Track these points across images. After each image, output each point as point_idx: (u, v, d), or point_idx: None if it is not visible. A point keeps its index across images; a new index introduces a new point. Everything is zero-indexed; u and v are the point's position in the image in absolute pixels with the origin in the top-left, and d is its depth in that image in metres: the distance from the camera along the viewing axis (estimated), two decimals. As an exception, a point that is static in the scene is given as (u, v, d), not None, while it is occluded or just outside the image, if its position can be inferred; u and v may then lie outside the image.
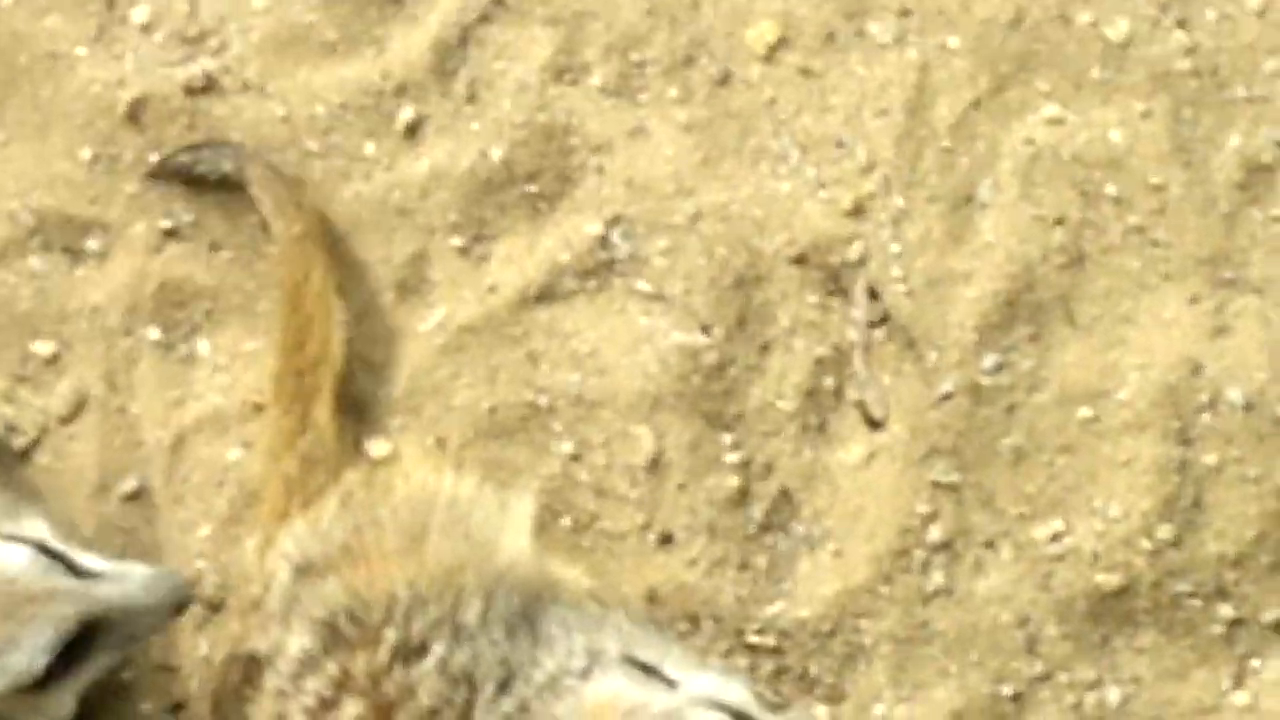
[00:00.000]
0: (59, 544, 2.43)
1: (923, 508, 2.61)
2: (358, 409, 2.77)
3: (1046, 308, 2.68)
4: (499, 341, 2.77)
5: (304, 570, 2.54)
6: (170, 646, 2.75)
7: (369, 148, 2.86)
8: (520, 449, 2.74)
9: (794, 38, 2.88)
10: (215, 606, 2.69)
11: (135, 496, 2.79)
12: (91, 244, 2.92)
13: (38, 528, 2.49)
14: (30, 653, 2.30)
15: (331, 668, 2.40)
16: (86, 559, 2.44)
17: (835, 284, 2.77)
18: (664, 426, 2.70)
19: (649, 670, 2.33)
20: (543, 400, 2.75)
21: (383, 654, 2.39)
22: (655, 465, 2.70)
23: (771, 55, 2.87)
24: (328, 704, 2.38)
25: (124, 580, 2.41)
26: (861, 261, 2.74)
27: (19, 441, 2.87)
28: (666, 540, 2.67)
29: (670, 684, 2.29)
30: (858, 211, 2.77)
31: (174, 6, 3.00)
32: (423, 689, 2.36)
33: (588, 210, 2.81)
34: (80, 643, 2.32)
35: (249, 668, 2.50)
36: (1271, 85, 2.56)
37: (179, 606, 2.48)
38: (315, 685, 2.40)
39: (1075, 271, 2.68)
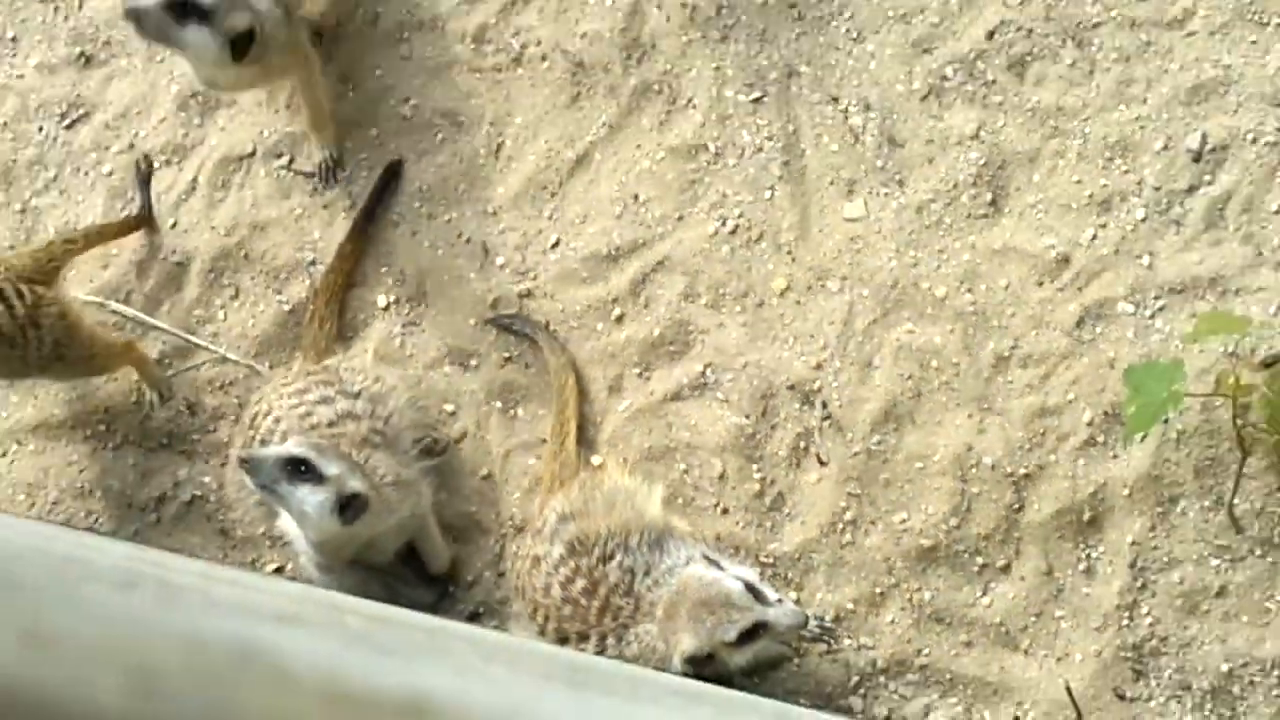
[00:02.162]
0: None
1: (842, 504, 3.60)
2: (587, 444, 3.81)
3: (901, 418, 3.63)
4: (653, 418, 3.82)
5: (562, 518, 3.48)
6: (496, 551, 3.81)
7: (599, 325, 3.93)
8: (660, 466, 3.76)
9: (794, 286, 3.80)
10: (520, 529, 3.76)
11: (487, 478, 3.91)
12: (472, 362, 3.98)
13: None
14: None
15: (571, 564, 3.40)
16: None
17: (805, 399, 3.71)
18: (726, 461, 3.74)
19: (714, 563, 3.27)
20: (671, 445, 3.78)
21: (595, 559, 3.38)
22: (722, 477, 3.73)
23: (783, 294, 3.79)
24: (569, 580, 3.41)
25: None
26: (819, 389, 3.70)
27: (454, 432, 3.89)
28: (725, 512, 3.69)
29: (723, 570, 3.24)
30: (819, 367, 3.71)
31: (512, 257, 4.06)
32: (611, 575, 3.39)
33: (702, 358, 3.81)
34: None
35: (534, 561, 3.49)
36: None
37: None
38: (564, 571, 3.42)
39: (914, 402, 3.66)
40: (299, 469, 3.24)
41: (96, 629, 1.02)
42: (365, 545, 3.54)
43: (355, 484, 3.28)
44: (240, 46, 3.50)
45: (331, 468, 3.27)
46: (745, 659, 3.27)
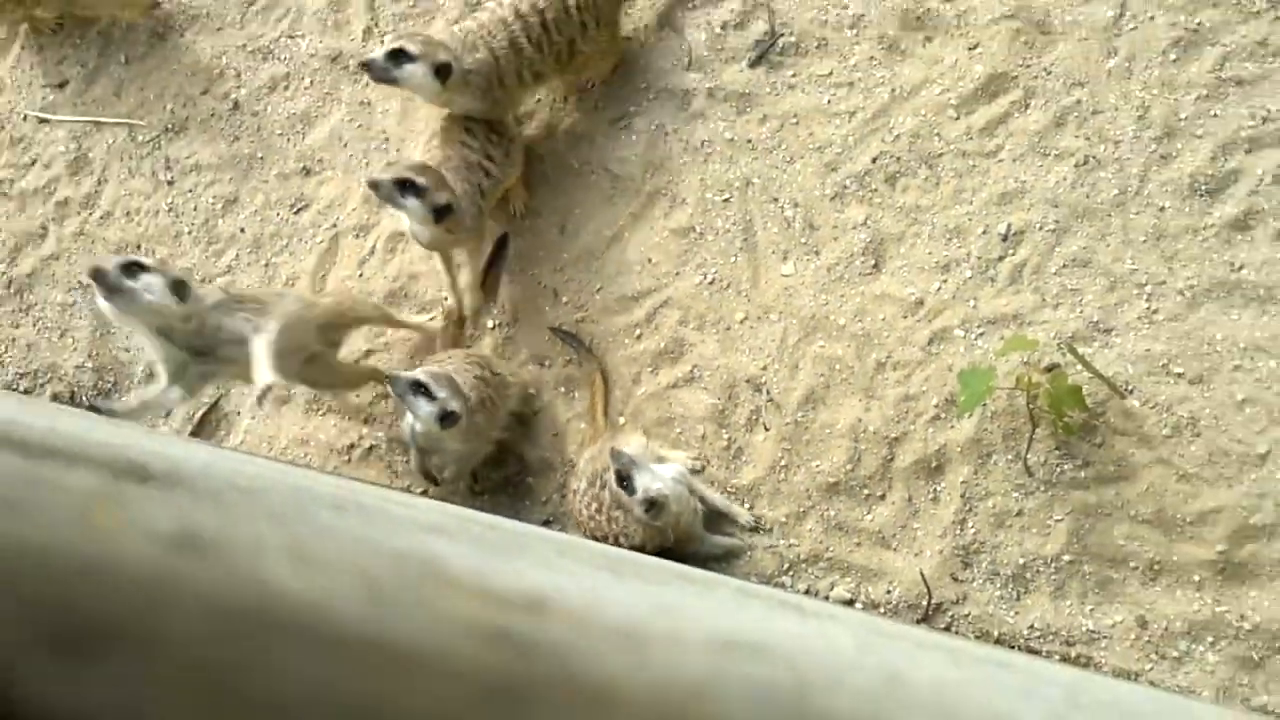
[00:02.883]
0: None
1: (779, 455, 3.38)
2: (616, 416, 3.62)
3: (817, 401, 3.41)
4: (659, 399, 3.59)
5: (586, 462, 3.32)
6: (561, 483, 3.54)
7: (626, 341, 3.67)
8: (663, 429, 3.55)
9: (749, 317, 3.56)
10: (572, 466, 3.51)
11: (556, 436, 3.66)
12: (546, 363, 3.79)
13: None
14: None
15: (591, 492, 3.22)
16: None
17: (757, 388, 3.50)
18: (705, 427, 3.52)
19: (624, 476, 3.06)
20: (671, 416, 3.57)
21: (599, 487, 3.18)
22: (703, 438, 3.44)
23: (742, 322, 3.59)
24: (589, 504, 3.20)
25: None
26: (765, 382, 3.46)
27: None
28: (706, 461, 3.47)
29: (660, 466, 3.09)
30: (765, 368, 3.50)
31: (573, 297, 3.78)
32: (607, 496, 3.11)
33: (690, 362, 3.53)
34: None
35: (573, 493, 3.33)
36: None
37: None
38: (587, 498, 3.23)
39: (825, 391, 3.39)
40: (420, 388, 3.11)
41: (333, 548, 0.93)
42: (437, 452, 3.43)
43: (453, 405, 3.13)
44: (441, 214, 3.33)
45: (441, 392, 3.12)
46: (667, 520, 3.11)
